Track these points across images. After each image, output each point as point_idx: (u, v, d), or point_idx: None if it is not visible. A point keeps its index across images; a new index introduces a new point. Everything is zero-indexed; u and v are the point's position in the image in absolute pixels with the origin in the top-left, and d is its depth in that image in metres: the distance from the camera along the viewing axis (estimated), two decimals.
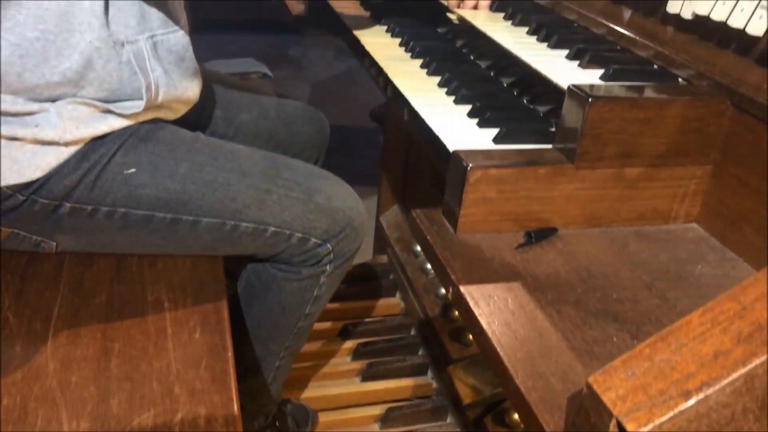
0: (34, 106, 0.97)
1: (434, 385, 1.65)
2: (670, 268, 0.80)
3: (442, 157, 0.86)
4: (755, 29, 0.80)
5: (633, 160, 0.83)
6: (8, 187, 0.98)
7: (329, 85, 3.91)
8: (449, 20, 1.19)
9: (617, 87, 0.84)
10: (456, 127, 0.90)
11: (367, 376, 1.65)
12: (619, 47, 1.02)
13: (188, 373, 0.92)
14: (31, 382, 0.89)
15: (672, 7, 0.92)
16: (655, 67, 0.94)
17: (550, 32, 1.02)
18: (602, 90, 0.81)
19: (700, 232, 0.87)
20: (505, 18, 1.14)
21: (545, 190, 0.82)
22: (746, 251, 0.82)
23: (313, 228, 1.13)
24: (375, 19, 1.33)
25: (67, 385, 0.89)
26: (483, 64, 1.13)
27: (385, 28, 1.29)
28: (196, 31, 1.23)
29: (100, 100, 1.00)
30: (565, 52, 0.97)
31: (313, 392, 1.61)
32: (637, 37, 0.98)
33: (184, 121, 1.15)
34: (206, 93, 1.24)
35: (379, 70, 1.11)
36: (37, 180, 0.99)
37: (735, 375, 0.45)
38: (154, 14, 0.99)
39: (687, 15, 0.90)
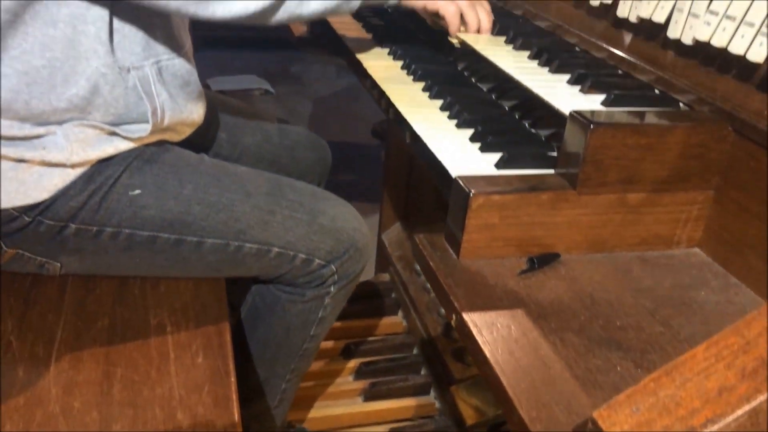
0: (41, 130, 0.98)
1: (437, 405, 1.65)
2: (674, 294, 0.80)
3: (445, 182, 0.86)
4: (755, 56, 0.80)
5: (635, 185, 0.83)
6: (15, 209, 0.99)
7: (331, 101, 3.92)
8: (450, 43, 1.20)
9: (619, 113, 0.84)
10: (458, 151, 0.91)
11: (370, 395, 1.65)
12: (620, 71, 1.02)
13: (191, 398, 0.92)
14: (34, 407, 0.89)
15: (672, 33, 0.92)
16: (657, 92, 0.95)
17: (552, 57, 1.03)
18: (604, 116, 0.82)
19: (702, 257, 0.88)
20: (507, 42, 1.14)
21: (548, 216, 0.82)
22: (749, 277, 0.82)
23: (316, 249, 1.14)
24: (377, 42, 1.34)
25: (70, 410, 0.89)
26: (484, 87, 1.14)
27: (387, 50, 1.29)
28: (199, 47, 1.24)
29: (106, 123, 1.01)
30: (567, 77, 0.98)
31: (315, 412, 1.60)
32: (638, 62, 0.99)
33: (188, 143, 1.16)
34: (210, 115, 1.25)
35: (381, 93, 1.12)
36: (44, 201, 0.99)
37: (740, 411, 0.45)
38: (159, 40, 1.00)
39: (687, 41, 0.90)
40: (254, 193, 1.11)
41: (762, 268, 0.80)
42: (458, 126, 0.98)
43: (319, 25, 1.53)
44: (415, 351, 1.83)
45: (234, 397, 0.93)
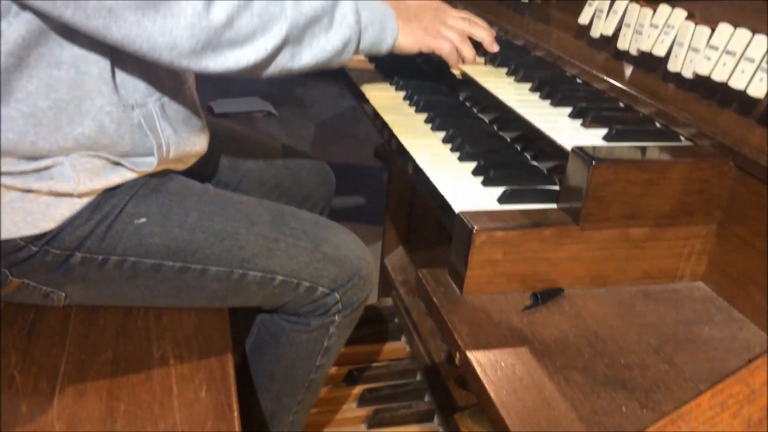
0: (48, 161, 0.98)
1: None
2: (678, 330, 0.80)
3: (447, 215, 0.86)
4: (756, 91, 0.81)
5: (638, 220, 0.83)
6: (21, 239, 0.99)
7: (333, 122, 3.94)
8: (452, 73, 1.21)
9: (620, 148, 0.85)
10: (460, 185, 0.91)
11: (374, 422, 1.64)
12: (621, 104, 1.03)
13: None
14: None
15: (673, 66, 0.93)
16: (658, 125, 0.95)
17: (553, 90, 1.04)
18: (606, 152, 0.82)
19: (706, 291, 0.87)
20: (508, 74, 1.15)
21: (551, 251, 0.82)
22: (753, 312, 0.82)
23: (320, 277, 1.14)
24: (379, 71, 1.35)
25: None
26: (486, 118, 1.14)
27: (390, 80, 1.31)
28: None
29: (113, 155, 1.02)
30: (568, 110, 0.98)
31: None
32: (639, 95, 1.00)
33: (190, 170, 1.17)
34: (212, 142, 1.26)
35: (384, 124, 1.12)
36: (50, 231, 1.00)
37: None
38: (162, 77, 1.01)
39: (688, 74, 0.91)
40: (258, 222, 1.11)
41: (764, 303, 0.79)
42: (460, 159, 0.98)
43: None
44: (418, 377, 1.82)
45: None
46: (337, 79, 1.43)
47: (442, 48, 1.14)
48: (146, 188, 1.06)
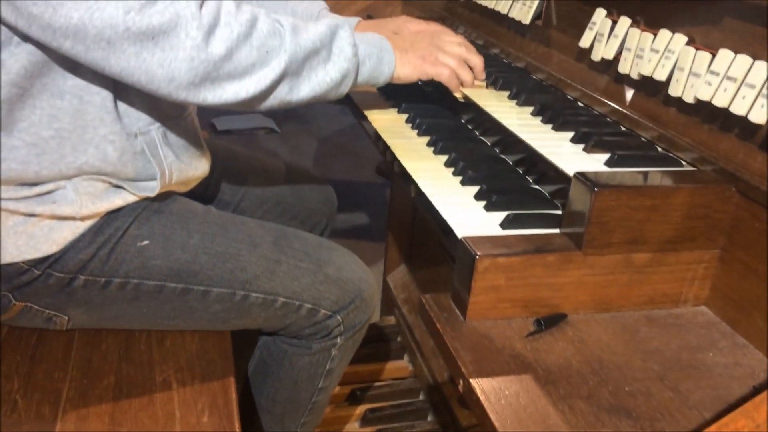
0: (50, 186, 0.99)
1: None
2: (682, 357, 0.79)
3: (449, 238, 0.86)
4: (757, 117, 0.81)
5: (641, 245, 0.83)
6: (24, 262, 0.99)
7: (335, 138, 3.96)
8: (453, 95, 1.21)
9: (622, 174, 0.85)
10: (463, 209, 0.91)
11: None
12: (623, 128, 1.03)
13: None
14: None
15: (674, 91, 0.93)
16: (659, 150, 0.96)
17: (555, 114, 1.04)
18: (608, 178, 0.82)
19: (710, 315, 0.87)
20: (510, 97, 1.16)
21: (554, 277, 0.82)
22: (756, 337, 0.82)
23: (322, 299, 1.14)
24: (381, 93, 1.36)
25: None
26: (488, 140, 1.15)
27: (392, 102, 1.31)
28: None
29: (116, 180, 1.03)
30: (570, 134, 0.99)
31: None
32: (641, 119, 1.00)
33: (192, 191, 1.17)
34: (215, 163, 1.27)
35: (386, 146, 1.13)
36: (53, 254, 1.00)
37: None
38: (164, 104, 1.01)
39: (689, 99, 0.91)
40: (260, 243, 1.11)
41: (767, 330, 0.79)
42: (463, 183, 0.98)
43: None
44: (421, 397, 1.82)
45: None
46: (340, 100, 1.44)
47: (441, 75, 1.14)
48: (149, 210, 1.06)
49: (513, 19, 1.35)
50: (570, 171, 0.85)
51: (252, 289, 1.10)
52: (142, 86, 0.90)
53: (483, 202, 0.93)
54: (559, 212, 0.91)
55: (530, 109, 1.10)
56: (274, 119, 4.02)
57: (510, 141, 1.08)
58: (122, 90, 0.96)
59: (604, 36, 1.08)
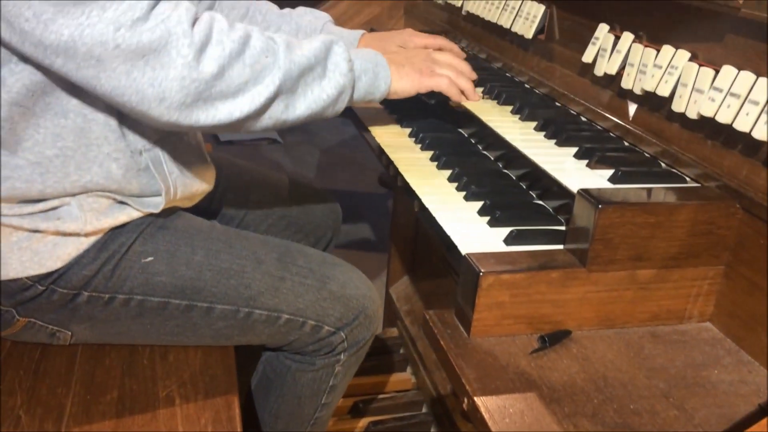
0: (55, 202, 0.99)
1: None
2: (687, 374, 0.79)
3: (452, 252, 0.86)
4: (760, 134, 0.81)
5: (645, 262, 0.83)
6: (28, 278, 1.00)
7: (338, 149, 3.96)
8: (456, 109, 1.22)
9: (626, 191, 0.85)
10: (467, 225, 0.91)
11: None
12: (626, 143, 1.04)
13: None
14: None
15: (677, 106, 0.93)
16: (663, 166, 0.96)
17: (558, 129, 1.04)
18: (612, 195, 0.83)
19: (714, 332, 0.87)
20: (513, 112, 1.16)
21: (558, 294, 0.82)
22: (761, 354, 0.81)
23: (326, 315, 1.14)
24: (385, 107, 1.36)
25: None
26: (492, 155, 1.15)
27: (395, 117, 1.31)
28: None
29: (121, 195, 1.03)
30: (574, 150, 0.99)
31: None
32: (644, 134, 1.00)
33: (197, 205, 1.17)
34: (219, 178, 1.27)
35: (390, 161, 1.13)
36: (57, 270, 1.00)
37: None
38: None
39: (692, 115, 0.91)
40: (265, 260, 1.11)
41: None
42: (466, 198, 0.98)
43: None
44: (424, 409, 1.81)
45: None
46: (343, 113, 1.45)
47: (441, 84, 1.13)
48: (153, 226, 1.06)
49: (516, 34, 1.36)
50: (574, 187, 0.85)
51: (256, 305, 1.09)
52: (132, 107, 0.88)
53: (487, 218, 0.93)
54: (563, 228, 0.91)
55: (533, 124, 1.10)
56: (276, 131, 4.03)
57: (513, 156, 1.08)
58: None
59: (607, 51, 1.09)
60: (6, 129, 0.90)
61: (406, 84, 1.11)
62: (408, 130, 1.24)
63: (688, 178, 0.92)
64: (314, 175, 3.60)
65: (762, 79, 0.82)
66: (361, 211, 3.18)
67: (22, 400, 1.00)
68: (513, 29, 1.36)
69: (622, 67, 1.06)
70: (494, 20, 1.43)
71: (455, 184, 1.03)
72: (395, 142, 1.20)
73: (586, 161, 0.96)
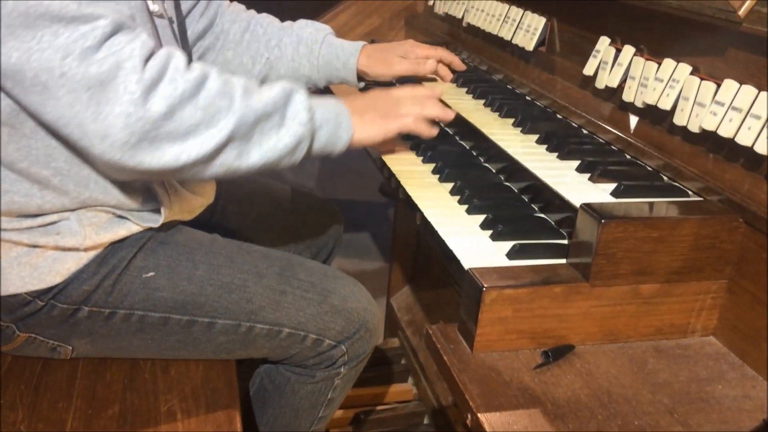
0: (54, 216, 0.99)
1: None
2: (691, 389, 0.79)
3: (456, 268, 0.86)
4: (762, 148, 0.81)
5: (648, 276, 0.83)
6: (28, 293, 0.99)
7: (338, 158, 3.95)
8: (458, 123, 1.22)
9: (629, 205, 0.85)
10: (469, 239, 0.91)
11: None
12: (627, 156, 1.04)
13: None
14: None
15: (679, 120, 0.94)
16: (665, 179, 0.96)
17: (560, 143, 1.04)
18: (615, 210, 0.82)
19: (718, 346, 0.87)
20: (515, 125, 1.16)
21: (561, 308, 0.82)
22: (765, 368, 0.81)
23: (327, 329, 1.13)
24: None
25: None
26: (493, 167, 1.15)
27: None
28: None
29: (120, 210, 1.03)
30: (576, 163, 0.99)
31: None
32: (646, 148, 1.00)
33: (198, 218, 1.17)
34: (220, 190, 1.27)
35: (391, 173, 1.13)
36: (57, 285, 1.00)
37: None
38: None
39: (694, 128, 0.91)
40: (266, 274, 1.11)
41: None
42: (468, 212, 0.98)
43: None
44: (426, 420, 1.80)
45: None
46: None
47: (406, 125, 1.08)
48: (154, 241, 1.06)
49: (516, 46, 1.36)
50: (576, 201, 0.85)
51: (257, 320, 1.09)
52: (75, 141, 0.84)
53: (489, 232, 0.93)
54: (565, 242, 0.91)
55: (535, 137, 1.10)
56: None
57: (515, 168, 1.08)
58: None
59: (608, 64, 1.09)
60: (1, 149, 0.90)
61: (370, 132, 1.06)
62: (409, 143, 1.24)
63: (690, 192, 0.92)
64: (314, 183, 3.60)
65: (764, 94, 0.82)
66: (362, 220, 3.18)
67: (24, 414, 0.99)
68: (514, 41, 1.37)
69: (624, 80, 1.06)
70: (495, 32, 1.43)
71: (457, 198, 1.02)
72: (397, 154, 1.20)
73: (588, 175, 0.96)
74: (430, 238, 0.96)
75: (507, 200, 1.04)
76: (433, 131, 1.12)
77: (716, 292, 0.86)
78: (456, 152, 1.21)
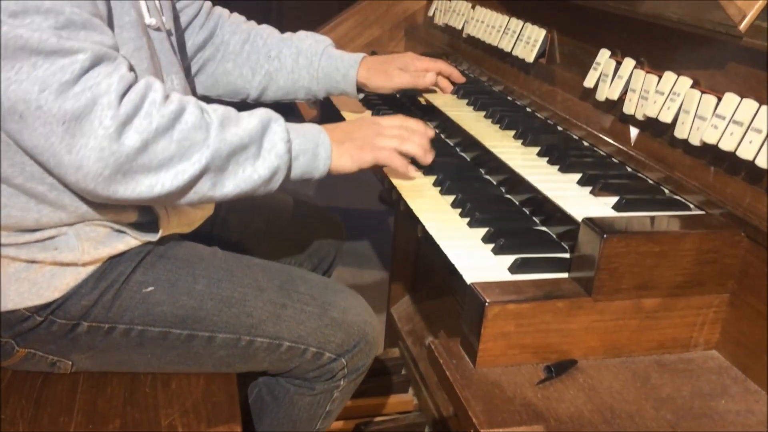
0: (52, 231, 0.99)
1: None
2: (694, 405, 0.79)
3: (457, 281, 0.86)
4: (764, 162, 0.81)
5: (650, 291, 0.83)
6: (26, 309, 0.99)
7: None
8: (458, 134, 1.22)
9: (631, 219, 0.85)
10: (471, 252, 0.91)
11: None
12: (629, 169, 1.04)
13: None
14: None
15: (679, 133, 0.94)
16: (666, 192, 0.96)
17: (561, 155, 1.05)
18: (617, 224, 0.82)
19: (720, 360, 0.87)
20: (516, 137, 1.16)
21: (564, 323, 0.82)
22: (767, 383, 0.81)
23: (327, 342, 1.13)
24: None
25: None
26: (494, 180, 1.15)
27: None
28: None
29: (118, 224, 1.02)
30: (577, 176, 0.99)
31: None
32: (647, 160, 1.00)
33: (198, 230, 1.17)
34: (220, 202, 1.27)
35: (392, 185, 1.13)
36: (55, 300, 1.00)
37: None
38: None
39: (695, 142, 0.91)
40: (266, 287, 1.11)
41: None
42: (470, 225, 0.98)
43: (328, 109, 1.56)
44: (427, 431, 1.80)
45: None
46: None
47: (380, 158, 1.07)
48: (153, 255, 1.06)
49: (516, 57, 1.36)
50: (578, 215, 0.85)
51: (257, 333, 1.09)
52: (50, 169, 0.86)
53: (491, 245, 0.92)
54: (567, 255, 0.91)
55: (536, 149, 1.10)
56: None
57: (516, 181, 1.08)
58: None
59: (609, 76, 1.09)
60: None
61: (346, 162, 1.06)
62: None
63: (691, 205, 0.92)
64: (314, 191, 3.60)
65: (764, 108, 0.82)
66: (362, 228, 3.18)
67: (24, 429, 0.99)
68: (514, 53, 1.37)
69: (624, 93, 1.06)
70: (495, 44, 1.44)
71: (459, 210, 1.02)
72: None
73: (589, 188, 0.96)
74: (431, 251, 0.96)
75: (509, 213, 1.03)
76: (408, 168, 1.09)
77: (718, 306, 0.86)
78: (457, 164, 1.21)
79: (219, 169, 0.93)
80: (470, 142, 1.19)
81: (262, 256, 1.23)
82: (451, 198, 1.06)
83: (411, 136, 1.11)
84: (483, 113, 1.29)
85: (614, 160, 1.07)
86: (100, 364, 1.09)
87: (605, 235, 0.79)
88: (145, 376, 1.11)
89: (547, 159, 1.06)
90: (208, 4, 1.37)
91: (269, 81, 1.36)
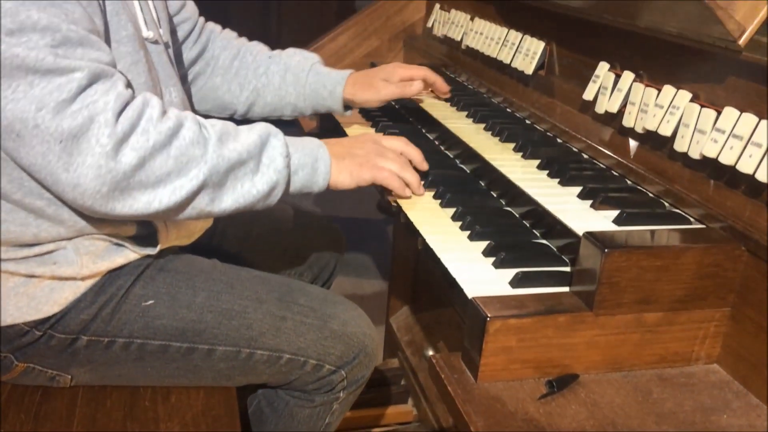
0: (51, 246, 0.99)
1: None
2: (696, 419, 0.78)
3: (458, 295, 0.86)
4: (764, 176, 0.81)
5: (651, 305, 0.83)
6: (25, 324, 0.99)
7: None
8: (459, 147, 1.22)
9: (632, 233, 0.85)
10: (471, 266, 0.91)
11: None
12: (629, 182, 1.04)
13: None
14: None
15: (679, 146, 0.94)
16: (666, 206, 0.96)
17: (561, 169, 1.05)
18: (618, 238, 0.83)
19: (722, 374, 0.87)
20: (515, 150, 1.16)
21: (565, 338, 0.82)
22: None
23: (327, 354, 1.13)
24: None
25: None
26: (495, 192, 1.15)
27: None
28: None
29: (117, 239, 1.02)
30: (577, 190, 0.99)
31: None
32: (647, 174, 1.00)
33: (197, 242, 1.17)
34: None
35: (392, 197, 1.13)
36: (54, 315, 1.00)
37: None
38: None
39: (695, 155, 0.92)
40: (266, 300, 1.11)
41: None
42: (471, 238, 0.98)
43: (329, 121, 1.56)
44: None
45: None
46: None
47: (378, 178, 1.07)
48: (153, 268, 1.06)
49: (516, 69, 1.37)
50: (579, 229, 0.85)
51: (257, 346, 1.09)
52: (48, 186, 0.87)
53: (492, 259, 0.92)
54: (568, 269, 0.91)
55: (536, 162, 1.10)
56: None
57: (516, 193, 1.08)
58: None
59: (608, 89, 1.09)
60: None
61: (344, 178, 1.06)
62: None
63: (692, 219, 0.92)
64: (312, 200, 3.60)
65: (764, 122, 0.83)
66: (361, 237, 3.18)
67: None
68: (513, 65, 1.38)
69: (623, 106, 1.06)
70: (494, 55, 1.44)
71: (459, 223, 1.02)
72: None
73: (590, 201, 0.96)
74: (432, 265, 0.96)
75: (509, 227, 1.03)
76: (405, 191, 1.09)
77: (719, 320, 0.86)
78: (457, 177, 1.21)
79: (217, 184, 0.93)
80: (470, 155, 1.19)
81: (262, 267, 1.23)
82: (451, 211, 1.06)
83: (406, 165, 1.10)
84: (483, 125, 1.29)
85: (614, 172, 1.08)
86: (100, 377, 1.09)
87: (606, 250, 0.79)
88: (145, 390, 1.10)
89: (547, 172, 1.07)
90: (202, 19, 1.37)
91: (256, 97, 1.36)
